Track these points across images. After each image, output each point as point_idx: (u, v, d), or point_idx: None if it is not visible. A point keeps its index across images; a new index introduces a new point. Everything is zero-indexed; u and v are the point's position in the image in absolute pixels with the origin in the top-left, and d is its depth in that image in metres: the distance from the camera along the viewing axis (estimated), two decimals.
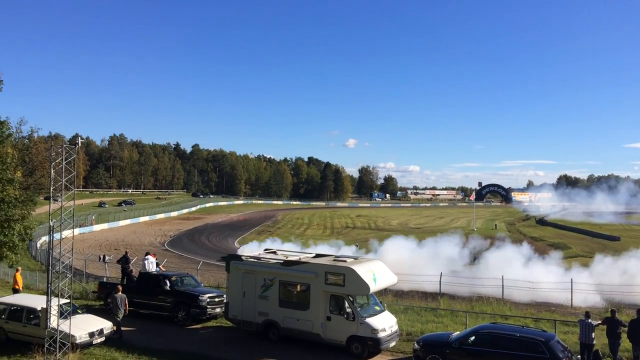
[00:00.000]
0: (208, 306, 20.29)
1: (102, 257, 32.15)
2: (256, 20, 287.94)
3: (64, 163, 15.31)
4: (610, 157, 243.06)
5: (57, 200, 15.66)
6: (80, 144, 17.10)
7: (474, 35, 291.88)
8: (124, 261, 23.88)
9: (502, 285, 26.70)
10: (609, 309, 17.67)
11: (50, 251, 15.25)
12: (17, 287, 22.36)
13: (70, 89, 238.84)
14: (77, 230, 51.29)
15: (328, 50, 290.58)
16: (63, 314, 15.42)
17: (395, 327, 17.09)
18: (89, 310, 19.81)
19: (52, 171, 15.13)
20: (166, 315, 20.67)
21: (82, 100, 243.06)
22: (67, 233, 16.25)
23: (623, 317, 17.37)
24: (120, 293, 18.87)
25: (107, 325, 17.53)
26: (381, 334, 15.97)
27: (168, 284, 21.07)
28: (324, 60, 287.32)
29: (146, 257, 23.52)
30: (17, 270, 22.79)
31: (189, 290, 21.21)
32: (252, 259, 18.97)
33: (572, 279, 25.98)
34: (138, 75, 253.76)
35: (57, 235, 15.25)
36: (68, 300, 16.91)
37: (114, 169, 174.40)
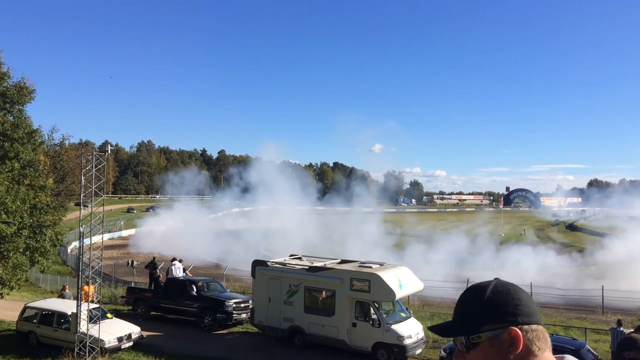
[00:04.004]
0: (234, 311, 20.42)
1: (130, 262, 32.65)
2: (282, 26, 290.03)
3: (94, 170, 15.65)
4: None
5: (87, 207, 16.00)
6: (109, 151, 17.48)
7: (502, 38, 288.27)
8: (151, 266, 24.23)
9: (530, 291, 26.15)
10: None
11: (80, 257, 15.58)
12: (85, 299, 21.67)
13: (101, 96, 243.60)
14: (106, 236, 52.27)
15: (354, 56, 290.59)
16: (92, 319, 15.73)
17: (422, 334, 16.91)
18: (118, 315, 20.13)
19: (83, 178, 15.48)
20: (193, 320, 20.88)
21: (112, 107, 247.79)
22: (96, 239, 16.58)
23: None
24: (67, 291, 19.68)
25: (135, 330, 17.78)
26: (407, 341, 15.84)
27: (194, 289, 21.28)
28: (350, 67, 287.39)
29: (173, 262, 23.82)
30: (87, 283, 22.31)
31: (215, 295, 21.38)
32: (278, 265, 19.03)
33: (602, 285, 25.32)
34: (166, 82, 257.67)
35: (88, 241, 15.59)
36: (97, 305, 17.25)
37: (142, 175, 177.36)
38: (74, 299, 21.18)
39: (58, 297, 22.56)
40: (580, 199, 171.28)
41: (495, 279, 1.55)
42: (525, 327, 1.41)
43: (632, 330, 15.68)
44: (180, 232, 51.06)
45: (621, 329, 14.99)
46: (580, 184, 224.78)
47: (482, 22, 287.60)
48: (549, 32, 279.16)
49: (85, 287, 21.33)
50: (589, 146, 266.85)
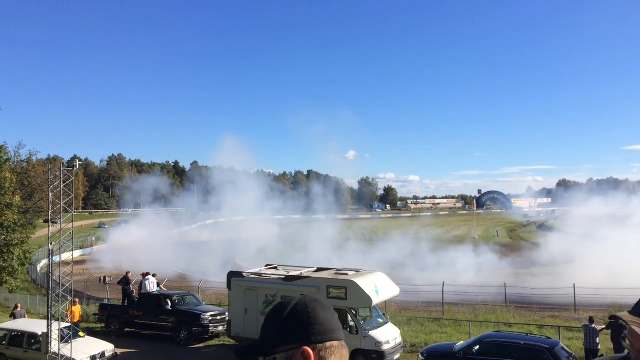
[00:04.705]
0: (210, 324, 20.19)
1: (102, 278, 32.01)
2: (250, 31, 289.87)
3: (62, 186, 15.34)
4: (608, 160, 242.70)
5: (56, 223, 15.66)
6: (77, 166, 17.15)
7: (468, 42, 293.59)
8: (124, 282, 23.78)
9: (505, 293, 26.62)
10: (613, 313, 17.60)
11: (50, 275, 15.22)
12: (73, 320, 20.51)
13: (69, 110, 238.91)
14: (77, 253, 51.17)
15: (324, 62, 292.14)
16: (64, 338, 15.33)
17: (399, 339, 17.00)
18: (91, 333, 19.68)
19: (51, 194, 15.15)
20: (168, 335, 20.55)
21: (81, 121, 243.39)
22: (67, 255, 16.22)
23: None
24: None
25: (108, 348, 17.41)
26: (385, 347, 15.89)
27: (169, 304, 20.98)
28: (320, 73, 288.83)
29: (147, 277, 23.44)
30: (74, 304, 21.33)
31: (190, 309, 21.10)
32: (254, 275, 18.91)
33: (574, 284, 25.85)
34: (136, 95, 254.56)
35: (58, 258, 15.24)
36: (69, 324, 16.82)
37: (113, 189, 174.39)
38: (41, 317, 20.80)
39: (10, 316, 21.88)
40: (550, 200, 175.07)
41: (301, 295, 1.55)
42: (319, 345, 1.41)
43: (604, 326, 16.08)
44: (149, 246, 50.37)
45: (593, 325, 15.33)
46: (549, 185, 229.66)
47: (449, 24, 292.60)
48: (513, 34, 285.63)
49: (72, 308, 20.66)
50: (556, 147, 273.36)
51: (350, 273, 17.82)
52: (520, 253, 52.29)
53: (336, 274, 18.04)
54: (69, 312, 19.63)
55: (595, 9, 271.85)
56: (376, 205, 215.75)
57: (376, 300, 16.44)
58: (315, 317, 1.44)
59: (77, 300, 22.38)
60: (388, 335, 16.40)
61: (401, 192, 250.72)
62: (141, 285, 23.11)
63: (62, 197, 15.24)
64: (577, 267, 34.69)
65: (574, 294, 25.28)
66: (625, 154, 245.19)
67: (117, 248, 54.27)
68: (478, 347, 14.44)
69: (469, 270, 36.28)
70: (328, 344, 1.43)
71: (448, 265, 37.77)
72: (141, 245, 50.90)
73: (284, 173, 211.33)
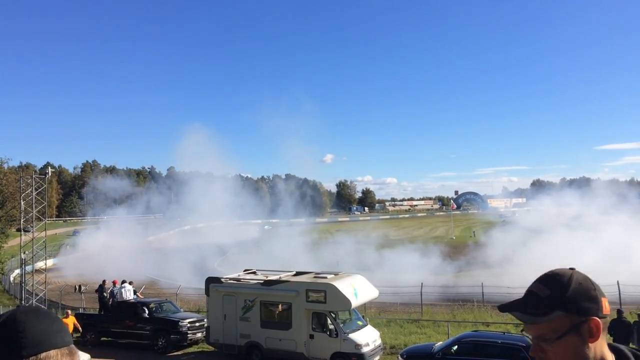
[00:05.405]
0: (189, 331, 19.96)
1: (77, 287, 31.41)
2: (227, 35, 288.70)
3: (34, 194, 15.05)
4: (581, 159, 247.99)
5: (28, 232, 15.35)
6: (50, 174, 16.85)
7: (441, 43, 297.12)
8: (101, 290, 23.41)
9: (482, 292, 26.91)
10: None
11: (23, 284, 14.90)
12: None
13: (42, 116, 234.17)
14: (52, 261, 50.07)
15: (300, 66, 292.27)
16: None
17: (379, 341, 17.06)
18: None
19: (22, 202, 14.85)
20: (146, 343, 20.26)
21: (54, 127, 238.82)
22: (41, 264, 15.91)
23: None
24: None
25: (84, 358, 17.05)
26: (365, 349, 15.92)
27: (146, 311, 20.70)
28: (297, 77, 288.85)
29: (123, 285, 23.10)
30: (67, 315, 20.68)
31: (168, 316, 20.85)
32: (232, 281, 18.77)
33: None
34: (110, 100, 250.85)
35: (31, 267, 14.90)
36: None
37: (89, 196, 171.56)
38: None
39: None
40: (524, 199, 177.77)
41: (17, 307, 1.53)
42: (32, 358, 1.37)
43: None
44: (120, 253, 49.61)
45: None
46: (524, 185, 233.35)
47: (423, 25, 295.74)
48: (485, 37, 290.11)
49: (66, 320, 19.71)
50: (530, 148, 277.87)
51: (329, 276, 17.83)
52: (467, 253, 52.71)
53: (315, 277, 18.04)
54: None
55: (563, 10, 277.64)
56: (354, 208, 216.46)
57: (355, 303, 16.48)
58: (25, 330, 1.39)
59: (69, 311, 21.56)
60: (367, 337, 16.44)
61: (379, 195, 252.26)
62: (113, 293, 22.72)
63: (34, 205, 14.94)
64: (515, 267, 35.80)
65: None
66: (596, 153, 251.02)
67: (85, 257, 53.33)
68: (456, 347, 14.58)
69: (414, 271, 36.97)
70: (43, 355, 1.38)
71: (390, 267, 38.43)
72: (111, 252, 50.05)
73: (262, 177, 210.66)
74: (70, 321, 20.41)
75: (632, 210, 57.46)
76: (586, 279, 1.58)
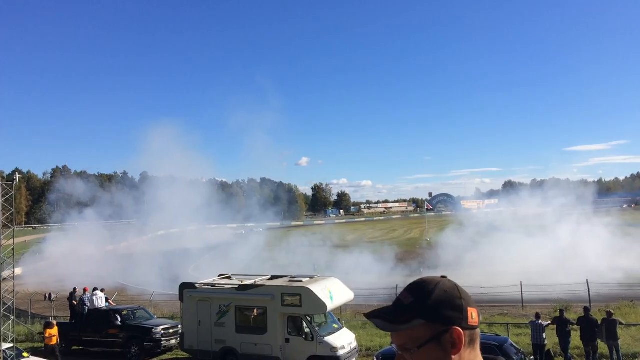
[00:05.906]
0: (162, 338, 19.72)
1: (47, 295, 30.72)
2: (199, 39, 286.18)
3: (1, 200, 14.68)
4: (551, 161, 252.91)
5: None
6: (18, 180, 16.46)
7: (417, 45, 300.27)
8: (71, 298, 22.94)
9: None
10: (558, 309, 18.29)
11: None
12: (51, 342, 18.78)
13: (11, 121, 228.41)
14: (18, 270, 48.81)
15: (276, 69, 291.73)
16: None
17: (355, 344, 17.11)
18: (35, 353, 18.84)
19: None
20: (119, 351, 19.92)
21: (23, 133, 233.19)
22: (8, 273, 15.52)
23: (571, 316, 18.04)
24: None
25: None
26: (340, 352, 15.96)
27: (119, 319, 20.36)
28: (272, 81, 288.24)
29: (94, 292, 22.68)
30: (51, 326, 19.36)
31: (141, 323, 20.55)
32: (207, 286, 18.60)
33: (521, 281, 26.71)
34: (80, 104, 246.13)
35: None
36: (12, 345, 16.07)
37: (59, 202, 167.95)
38: None
39: None
40: (497, 201, 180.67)
41: None
42: None
43: (550, 322, 16.70)
44: (90, 260, 48.77)
45: (539, 321, 15.88)
46: (496, 186, 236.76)
47: (396, 29, 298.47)
48: (463, 37, 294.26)
49: (50, 330, 18.85)
50: (502, 150, 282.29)
51: (304, 280, 17.83)
52: (421, 255, 53.31)
53: (290, 281, 18.00)
54: (46, 334, 18.48)
55: (526, 13, 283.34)
56: (330, 211, 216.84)
57: (331, 306, 16.50)
58: None
59: (54, 322, 20.45)
60: (343, 340, 16.48)
61: (354, 197, 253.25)
62: (83, 300, 22.23)
63: (1, 212, 14.57)
64: (465, 268, 36.42)
65: (521, 291, 26.18)
66: (566, 154, 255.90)
67: (51, 264, 52.17)
68: None
69: (366, 273, 37.56)
70: None
71: (340, 269, 38.80)
72: (80, 259, 49.11)
73: (237, 181, 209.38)
74: (55, 332, 19.82)
75: (592, 210, 59.49)
76: (454, 287, 1.51)
